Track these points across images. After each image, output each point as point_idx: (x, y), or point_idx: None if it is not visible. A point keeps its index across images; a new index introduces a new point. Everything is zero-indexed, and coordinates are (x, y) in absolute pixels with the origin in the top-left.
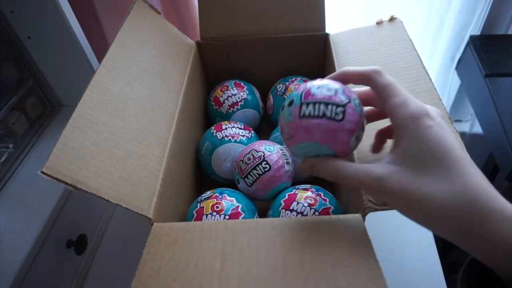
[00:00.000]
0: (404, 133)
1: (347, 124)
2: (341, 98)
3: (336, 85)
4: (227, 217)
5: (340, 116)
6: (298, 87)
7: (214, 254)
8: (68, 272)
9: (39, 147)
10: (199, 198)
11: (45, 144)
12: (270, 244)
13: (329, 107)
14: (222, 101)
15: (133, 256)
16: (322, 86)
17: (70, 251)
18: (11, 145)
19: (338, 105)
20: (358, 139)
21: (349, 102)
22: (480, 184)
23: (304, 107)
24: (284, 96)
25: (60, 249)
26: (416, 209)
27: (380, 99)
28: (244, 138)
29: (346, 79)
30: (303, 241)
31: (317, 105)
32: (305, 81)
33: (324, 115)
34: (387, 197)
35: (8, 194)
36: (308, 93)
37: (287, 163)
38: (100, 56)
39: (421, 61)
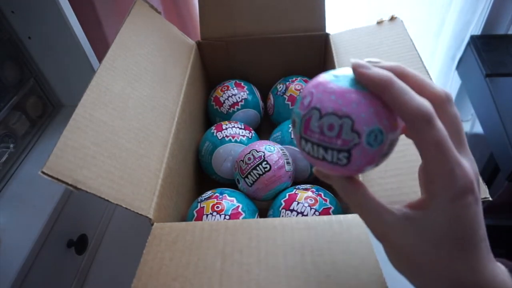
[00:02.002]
0: (440, 203)
1: (355, 166)
2: (345, 140)
3: (347, 108)
4: (227, 217)
5: (344, 162)
6: (309, 89)
7: (215, 254)
8: (68, 272)
9: (39, 147)
10: (199, 198)
11: (45, 144)
12: (270, 244)
13: (329, 152)
14: (222, 101)
15: (133, 256)
16: (325, 116)
17: (71, 251)
18: (11, 145)
19: (340, 150)
20: (379, 164)
21: (357, 143)
22: (486, 266)
23: (303, 142)
24: (285, 96)
25: (61, 249)
26: (416, 275)
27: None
28: (244, 138)
29: (403, 79)
30: (303, 241)
31: (315, 147)
32: (305, 81)
33: (324, 159)
34: (386, 247)
35: (8, 194)
36: (307, 124)
37: (288, 163)
38: (100, 56)
39: (421, 60)
